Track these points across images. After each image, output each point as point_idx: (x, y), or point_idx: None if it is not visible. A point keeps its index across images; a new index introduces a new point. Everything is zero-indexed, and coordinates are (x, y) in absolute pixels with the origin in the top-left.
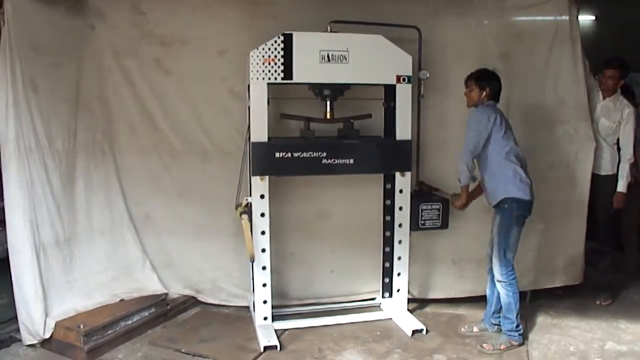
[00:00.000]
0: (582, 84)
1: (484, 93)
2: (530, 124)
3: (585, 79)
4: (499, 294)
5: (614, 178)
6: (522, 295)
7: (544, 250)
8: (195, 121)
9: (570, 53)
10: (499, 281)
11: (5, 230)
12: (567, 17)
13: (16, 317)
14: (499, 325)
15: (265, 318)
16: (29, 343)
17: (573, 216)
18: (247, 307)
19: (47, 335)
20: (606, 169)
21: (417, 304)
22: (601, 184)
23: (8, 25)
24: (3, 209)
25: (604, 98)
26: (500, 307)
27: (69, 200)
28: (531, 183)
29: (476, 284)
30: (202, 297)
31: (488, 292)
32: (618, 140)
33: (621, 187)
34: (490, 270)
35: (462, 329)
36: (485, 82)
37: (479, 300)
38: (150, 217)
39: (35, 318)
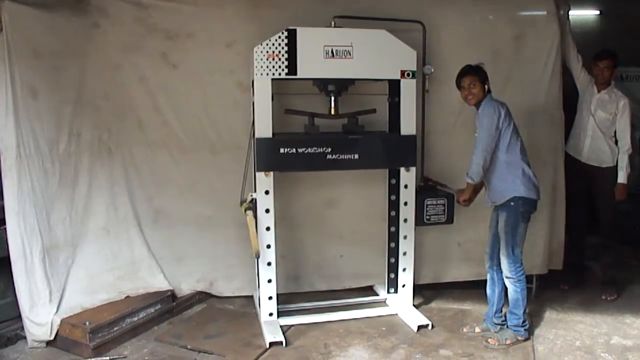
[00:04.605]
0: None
1: (486, 86)
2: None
3: (579, 73)
4: (499, 292)
5: (615, 170)
6: (528, 290)
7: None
8: (204, 114)
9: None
10: (507, 277)
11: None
12: (562, 13)
13: (21, 315)
14: (501, 324)
15: (271, 314)
16: (34, 347)
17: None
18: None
19: (52, 337)
20: (607, 162)
21: (422, 299)
22: (602, 177)
23: (6, 32)
24: (3, 207)
25: (598, 91)
26: (502, 306)
27: (72, 201)
28: (537, 180)
29: (481, 266)
30: (214, 290)
31: (488, 292)
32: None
33: (622, 178)
34: (490, 269)
35: (464, 330)
36: (484, 74)
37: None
38: (161, 213)
39: (39, 323)
